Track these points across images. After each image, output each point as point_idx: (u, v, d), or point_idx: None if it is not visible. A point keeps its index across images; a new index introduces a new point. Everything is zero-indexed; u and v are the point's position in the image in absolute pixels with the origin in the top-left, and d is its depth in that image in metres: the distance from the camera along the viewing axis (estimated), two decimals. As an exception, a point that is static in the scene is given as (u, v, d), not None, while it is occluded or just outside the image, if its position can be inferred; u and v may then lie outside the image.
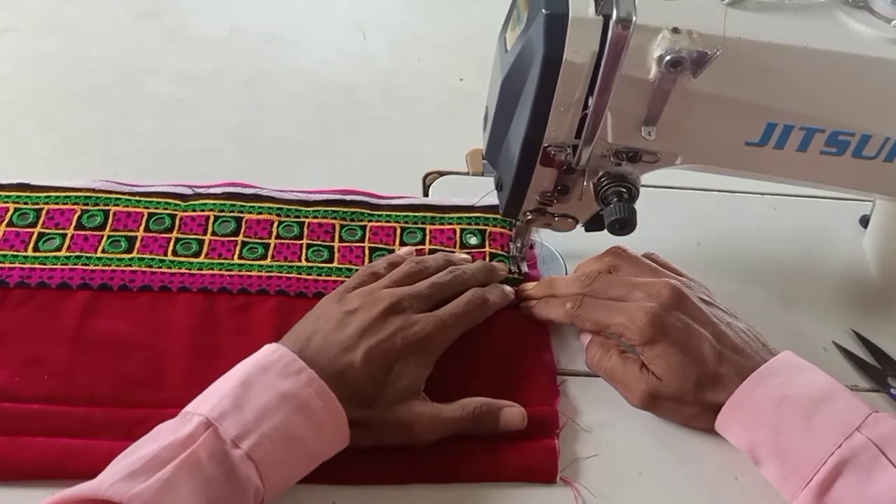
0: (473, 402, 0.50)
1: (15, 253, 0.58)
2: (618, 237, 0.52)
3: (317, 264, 0.60)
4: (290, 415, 0.44)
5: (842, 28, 0.47)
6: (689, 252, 0.66)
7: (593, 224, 0.56)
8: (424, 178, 0.70)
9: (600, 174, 0.51)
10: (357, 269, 0.58)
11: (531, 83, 0.47)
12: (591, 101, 0.46)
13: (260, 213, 0.63)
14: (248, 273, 0.59)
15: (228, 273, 0.59)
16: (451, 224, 0.64)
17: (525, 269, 0.62)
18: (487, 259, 0.61)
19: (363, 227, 0.63)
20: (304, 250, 0.61)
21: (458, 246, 0.63)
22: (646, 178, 0.52)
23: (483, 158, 0.68)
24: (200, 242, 0.60)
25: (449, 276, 0.55)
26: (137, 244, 0.59)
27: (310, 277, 0.59)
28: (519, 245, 0.61)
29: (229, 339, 0.54)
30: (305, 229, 0.62)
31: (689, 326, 0.51)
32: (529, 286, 0.58)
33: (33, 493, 0.44)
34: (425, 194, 0.68)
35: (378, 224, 0.64)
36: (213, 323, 0.55)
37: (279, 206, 0.64)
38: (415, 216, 0.65)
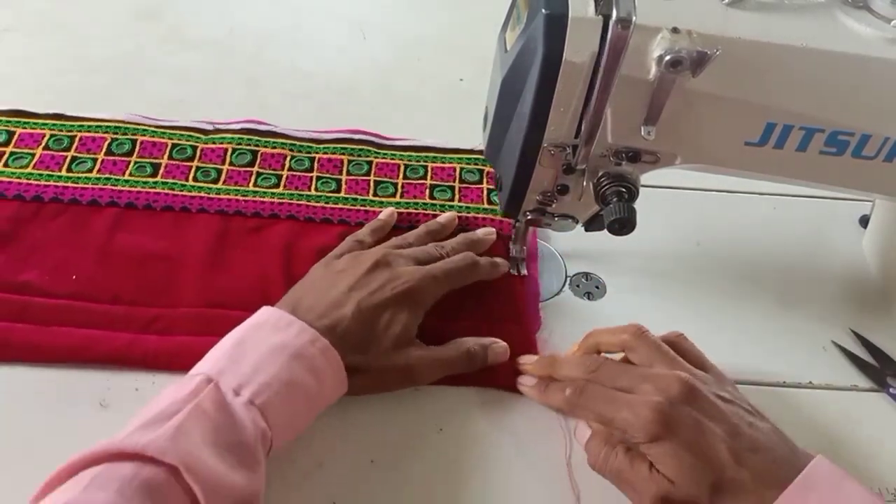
0: (467, 343, 0.54)
1: (50, 172, 0.64)
2: (618, 237, 0.52)
3: (325, 194, 0.66)
4: (286, 363, 0.46)
5: (841, 28, 0.47)
6: (689, 252, 0.66)
7: (593, 224, 0.56)
8: (424, 177, 0.70)
9: (600, 174, 0.51)
10: (361, 199, 0.65)
11: (531, 83, 0.47)
12: (590, 101, 0.46)
13: (274, 148, 0.69)
14: (261, 199, 0.65)
15: (244, 198, 0.65)
16: (451, 163, 0.70)
17: (524, 271, 0.62)
18: (484, 195, 0.67)
19: (369, 163, 0.69)
20: (313, 181, 0.67)
21: (457, 181, 0.68)
22: (646, 178, 0.52)
23: (483, 158, 0.68)
24: (219, 171, 0.67)
25: (432, 249, 0.57)
26: (161, 170, 0.66)
27: (318, 205, 0.65)
28: (519, 245, 0.61)
29: (240, 256, 0.60)
30: (315, 164, 0.68)
31: (701, 423, 0.45)
32: (528, 362, 0.55)
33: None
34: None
35: (383, 161, 0.69)
36: (227, 241, 0.61)
37: (292, 142, 0.70)
38: (417, 155, 0.70)
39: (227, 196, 0.64)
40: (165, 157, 0.67)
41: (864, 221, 0.69)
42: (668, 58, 0.44)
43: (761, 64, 0.46)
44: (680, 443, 0.45)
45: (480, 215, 0.65)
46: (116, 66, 0.77)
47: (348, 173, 0.68)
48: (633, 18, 0.43)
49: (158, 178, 0.65)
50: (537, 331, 0.58)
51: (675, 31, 0.44)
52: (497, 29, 0.52)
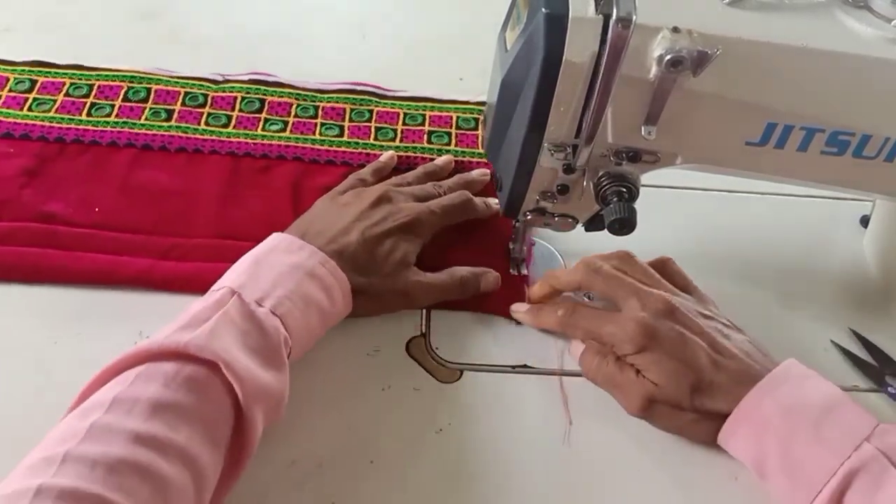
0: (460, 271, 0.58)
1: (71, 116, 0.69)
2: (618, 237, 0.52)
3: (328, 138, 0.71)
4: (301, 279, 0.50)
5: (842, 28, 0.47)
6: (690, 252, 0.66)
7: (593, 224, 0.56)
8: (424, 177, 0.70)
9: (600, 174, 0.51)
10: (363, 143, 0.70)
11: (531, 83, 0.47)
12: (591, 101, 0.46)
13: (281, 97, 0.74)
14: (269, 142, 0.69)
15: (253, 141, 0.69)
16: (448, 112, 0.75)
17: (525, 270, 0.62)
18: (480, 140, 0.72)
19: (370, 111, 0.74)
20: (318, 127, 0.72)
21: (453, 128, 0.73)
22: (646, 178, 0.52)
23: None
24: (229, 117, 0.71)
25: (430, 188, 0.62)
26: (175, 115, 0.71)
27: (322, 147, 0.70)
28: (519, 245, 0.61)
29: (250, 192, 0.65)
30: (320, 111, 0.73)
31: (682, 335, 0.51)
32: (535, 289, 0.59)
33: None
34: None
35: (384, 109, 0.74)
36: (237, 179, 0.66)
37: (298, 91, 0.74)
38: (416, 104, 0.75)
39: (237, 139, 0.69)
40: (178, 103, 0.72)
41: (865, 221, 0.69)
42: (668, 57, 0.43)
43: (762, 64, 0.46)
44: (663, 352, 0.50)
45: (475, 159, 0.70)
46: (116, 67, 0.77)
47: (350, 120, 0.73)
48: (634, 18, 0.43)
49: (172, 123, 0.70)
50: (530, 263, 0.62)
51: (675, 30, 0.44)
52: (497, 29, 0.52)
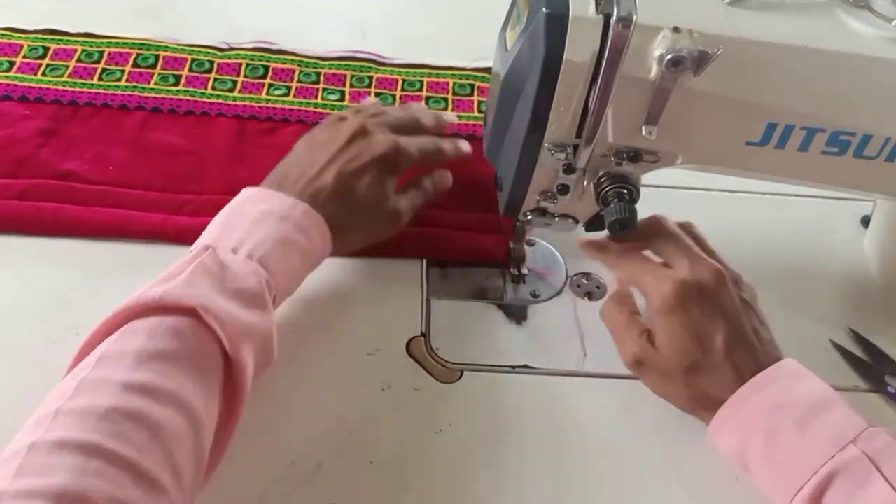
0: (418, 180, 0.61)
1: (84, 80, 0.72)
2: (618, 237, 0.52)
3: (330, 101, 0.74)
4: (275, 224, 0.50)
5: (843, 28, 0.47)
6: (690, 252, 0.66)
7: (593, 224, 0.56)
8: (424, 177, 0.69)
9: (601, 174, 0.51)
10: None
11: (531, 83, 0.47)
12: (591, 101, 0.46)
13: (284, 63, 0.77)
14: (273, 105, 0.72)
15: (258, 104, 0.72)
16: (445, 78, 0.77)
17: (525, 270, 0.62)
18: (475, 106, 0.75)
19: (370, 77, 0.77)
20: (320, 92, 0.75)
21: (450, 94, 0.76)
22: (646, 178, 0.52)
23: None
24: (234, 82, 0.74)
25: (407, 112, 0.62)
26: (183, 80, 0.74)
27: (324, 111, 0.72)
28: (520, 244, 0.61)
29: (257, 152, 0.68)
30: (321, 77, 0.76)
31: (712, 315, 0.50)
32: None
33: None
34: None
35: (383, 76, 0.77)
36: (244, 139, 0.69)
37: (300, 58, 0.77)
38: (414, 71, 0.78)
39: (243, 102, 0.72)
40: (186, 69, 0.75)
41: (866, 221, 0.69)
42: (669, 57, 0.43)
43: (763, 63, 0.46)
44: (684, 323, 0.49)
45: (471, 122, 0.73)
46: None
47: (351, 86, 0.75)
48: (634, 17, 0.42)
49: (181, 87, 0.73)
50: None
51: (676, 30, 0.44)
52: (497, 29, 0.52)
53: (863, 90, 0.48)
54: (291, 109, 0.72)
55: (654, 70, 0.45)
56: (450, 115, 0.68)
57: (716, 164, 0.52)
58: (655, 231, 0.53)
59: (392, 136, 0.57)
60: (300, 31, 0.84)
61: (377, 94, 0.75)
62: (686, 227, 0.55)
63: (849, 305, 0.63)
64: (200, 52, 0.77)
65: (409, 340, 0.57)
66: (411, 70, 0.78)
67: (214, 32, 0.82)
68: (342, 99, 0.74)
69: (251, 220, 0.51)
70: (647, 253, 0.54)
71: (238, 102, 0.72)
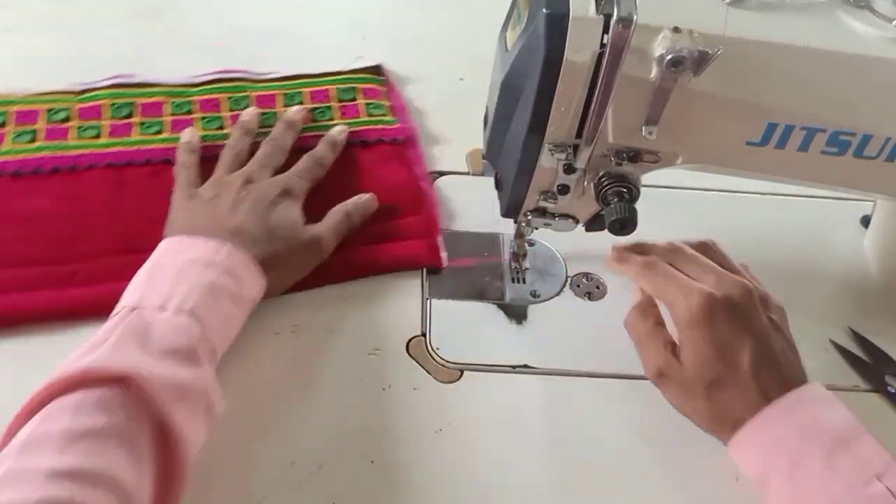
0: (340, 207, 0.60)
1: None
2: (619, 237, 0.52)
3: (211, 132, 0.67)
4: (201, 271, 0.49)
5: (843, 28, 0.47)
6: (690, 252, 0.66)
7: (593, 224, 0.56)
8: (424, 177, 0.70)
9: (601, 174, 0.51)
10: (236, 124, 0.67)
11: (531, 83, 0.47)
12: (591, 101, 0.46)
13: (151, 97, 0.70)
14: (149, 146, 0.65)
15: (131, 148, 0.65)
16: (325, 86, 0.73)
17: (526, 265, 0.62)
18: (362, 109, 0.71)
19: (247, 97, 0.71)
20: (197, 123, 0.68)
21: (334, 101, 0.72)
22: (646, 178, 0.52)
23: (483, 158, 0.68)
24: (99, 127, 0.67)
25: (268, 146, 0.63)
26: (41, 135, 0.65)
27: (207, 143, 0.65)
28: (519, 242, 0.61)
29: (144, 201, 0.61)
30: (195, 106, 0.70)
31: (739, 331, 0.48)
32: (621, 244, 0.56)
33: None
34: (425, 194, 0.68)
35: (261, 93, 0.72)
36: (125, 190, 0.62)
37: (167, 89, 0.71)
38: (291, 83, 0.73)
39: (114, 148, 0.65)
40: (41, 122, 0.67)
41: (866, 221, 0.69)
42: (669, 57, 0.43)
43: (763, 64, 0.46)
44: (710, 337, 0.48)
45: (363, 127, 0.69)
46: (116, 67, 0.77)
47: (230, 109, 0.70)
48: (635, 18, 0.42)
49: (39, 143, 0.65)
50: (436, 210, 0.64)
51: (676, 30, 0.44)
52: (497, 29, 0.52)
53: (863, 90, 0.48)
54: (170, 147, 0.65)
55: (654, 70, 0.45)
56: (338, 130, 0.67)
57: (716, 164, 0.52)
58: (676, 253, 0.53)
59: (283, 175, 0.60)
60: (300, 31, 0.84)
61: (259, 114, 0.69)
62: (708, 246, 0.54)
63: (849, 305, 0.63)
64: (54, 99, 0.68)
65: (409, 340, 0.57)
66: (288, 83, 0.73)
67: (215, 32, 0.82)
68: (222, 127, 0.68)
69: (175, 271, 0.49)
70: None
71: (109, 149, 0.65)
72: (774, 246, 0.67)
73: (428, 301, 0.60)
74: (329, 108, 0.71)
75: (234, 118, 0.68)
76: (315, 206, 0.60)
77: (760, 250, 0.67)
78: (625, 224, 0.50)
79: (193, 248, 0.51)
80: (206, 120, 0.68)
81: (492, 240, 0.65)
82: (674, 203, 0.69)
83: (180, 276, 0.48)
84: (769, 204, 0.71)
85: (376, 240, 0.61)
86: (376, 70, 0.77)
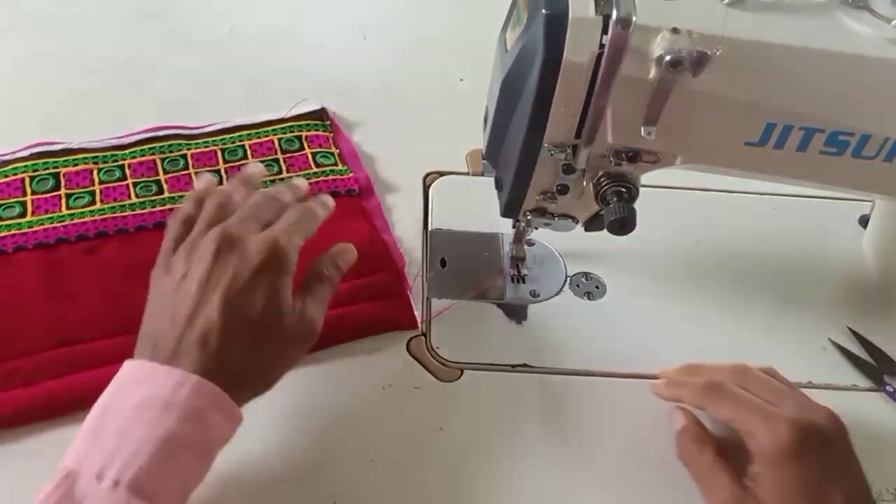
0: (318, 266, 0.50)
1: None
2: (618, 237, 0.52)
3: (148, 198, 0.61)
4: (156, 419, 0.40)
5: (842, 28, 0.47)
6: (690, 252, 0.66)
7: (593, 224, 0.56)
8: (424, 178, 0.70)
9: (600, 174, 0.51)
10: (187, 195, 0.57)
11: (531, 83, 0.47)
12: (591, 101, 0.46)
13: (76, 165, 0.63)
14: (81, 220, 0.59)
15: (61, 224, 0.59)
16: (267, 136, 0.68)
17: (525, 270, 0.62)
18: (311, 160, 0.66)
19: (184, 157, 0.65)
20: (131, 189, 0.62)
21: (279, 153, 0.67)
22: (646, 178, 0.52)
23: (483, 158, 0.68)
24: (23, 203, 0.60)
25: (261, 196, 0.50)
26: None
27: (145, 211, 0.60)
28: (519, 244, 0.61)
29: (82, 283, 0.56)
30: (127, 170, 0.63)
31: (832, 470, 0.43)
32: (670, 369, 0.54)
33: None
34: (425, 194, 0.68)
35: (198, 151, 0.66)
36: (60, 271, 0.56)
37: (94, 154, 0.64)
38: (231, 137, 0.68)
39: (42, 226, 0.58)
40: None
41: (864, 221, 0.69)
42: (668, 58, 0.44)
43: (761, 64, 0.46)
44: (799, 474, 0.42)
45: (314, 180, 0.65)
46: (116, 67, 0.77)
47: (165, 171, 0.64)
48: (634, 18, 0.43)
49: None
50: (404, 266, 0.61)
51: (675, 31, 0.44)
52: (497, 29, 0.52)
53: (861, 90, 0.48)
54: (104, 219, 0.59)
55: (654, 71, 0.45)
56: (300, 182, 0.56)
57: (714, 164, 0.52)
58: (744, 375, 0.48)
59: (265, 234, 0.47)
60: (300, 31, 0.84)
61: (198, 174, 0.64)
62: (772, 371, 0.50)
63: (848, 305, 0.64)
64: None
65: (410, 340, 0.57)
66: (227, 136, 0.67)
67: (214, 33, 0.82)
68: (160, 192, 0.62)
69: (125, 418, 0.40)
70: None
71: (36, 228, 0.58)
72: (773, 246, 0.68)
73: (428, 301, 0.60)
74: (275, 161, 0.66)
75: (172, 181, 0.63)
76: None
77: (759, 250, 0.67)
78: (624, 224, 0.50)
79: (151, 383, 0.41)
80: (139, 186, 0.62)
81: (492, 240, 0.65)
82: (673, 203, 0.70)
83: (129, 429, 0.40)
84: (768, 204, 0.71)
85: (345, 301, 0.56)
86: (320, 114, 0.72)
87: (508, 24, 0.51)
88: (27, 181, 0.61)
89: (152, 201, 0.61)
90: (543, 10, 0.45)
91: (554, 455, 0.52)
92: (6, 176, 0.62)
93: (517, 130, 0.50)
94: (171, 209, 0.60)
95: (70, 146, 0.64)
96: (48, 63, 0.77)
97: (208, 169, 0.64)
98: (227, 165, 0.65)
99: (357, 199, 0.64)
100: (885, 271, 0.65)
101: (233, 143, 0.67)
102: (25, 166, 0.62)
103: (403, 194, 0.68)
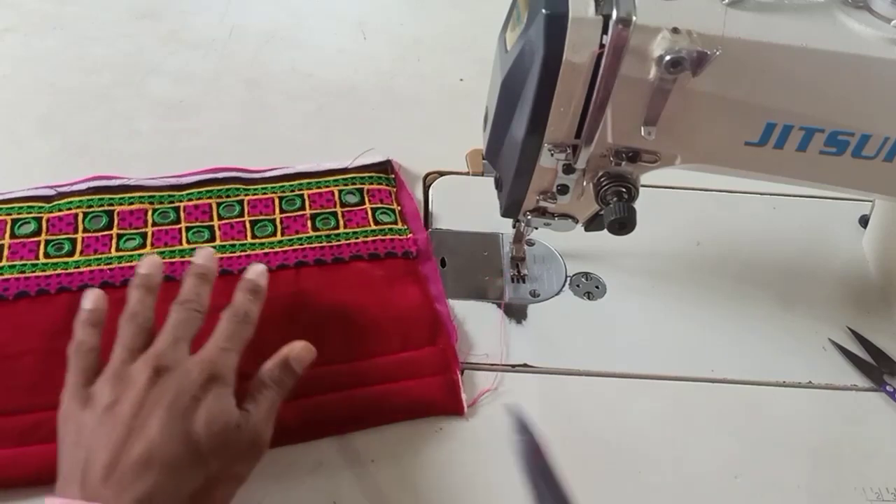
0: (263, 375, 0.46)
1: None
2: (618, 237, 0.52)
3: (199, 245, 0.59)
4: None
5: (841, 28, 0.47)
6: (689, 252, 0.66)
7: (593, 224, 0.56)
8: (424, 178, 0.70)
9: (600, 174, 0.51)
10: (240, 245, 0.59)
11: (531, 83, 0.47)
12: (591, 102, 0.46)
13: (132, 204, 0.61)
14: (129, 264, 0.57)
15: (108, 267, 0.57)
16: (328, 187, 0.65)
17: (525, 270, 0.62)
18: (370, 216, 0.63)
19: (241, 202, 0.63)
20: (183, 233, 0.60)
21: (338, 206, 0.63)
22: (646, 178, 0.52)
23: (483, 158, 0.68)
24: (73, 241, 0.58)
25: (183, 311, 0.47)
26: (5, 252, 0.57)
27: (186, 260, 0.57)
28: (519, 244, 0.61)
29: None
30: (182, 213, 0.61)
31: None
32: None
33: None
34: (425, 194, 0.68)
35: (255, 197, 0.63)
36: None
37: (150, 193, 0.62)
38: (290, 185, 0.65)
39: (89, 268, 0.56)
40: (7, 236, 0.58)
41: (864, 221, 0.69)
42: (668, 58, 0.43)
43: (761, 64, 0.46)
44: None
45: (371, 238, 0.61)
46: (116, 67, 0.77)
47: (220, 217, 0.61)
48: (634, 19, 0.43)
49: (3, 263, 0.56)
50: (455, 340, 0.56)
51: (675, 31, 0.44)
52: (497, 29, 0.52)
53: (861, 90, 0.48)
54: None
55: (654, 71, 0.45)
56: (206, 260, 0.50)
57: (715, 164, 0.52)
58: None
59: (201, 358, 0.44)
60: (300, 31, 0.84)
61: (253, 223, 0.61)
62: None
63: (847, 305, 0.64)
64: (21, 209, 0.60)
65: (410, 340, 0.57)
66: (287, 184, 0.65)
67: (215, 32, 0.82)
68: (212, 239, 0.59)
69: None
70: None
71: (83, 269, 0.56)
72: (773, 246, 0.68)
73: (428, 301, 0.60)
74: (333, 214, 0.63)
75: (225, 229, 0.60)
76: (330, 341, 0.50)
77: (759, 250, 0.67)
78: (624, 224, 0.50)
79: None
80: (192, 231, 0.60)
81: (492, 240, 0.65)
82: (673, 203, 0.70)
83: None
84: (768, 204, 0.71)
85: (386, 378, 0.52)
86: (385, 167, 0.68)
87: (508, 24, 0.51)
88: (80, 217, 0.60)
89: (199, 244, 0.59)
90: (543, 10, 0.45)
91: (554, 455, 0.52)
92: (60, 210, 0.60)
93: (517, 130, 0.50)
94: (220, 258, 0.57)
95: (128, 182, 0.63)
96: (47, 63, 0.77)
97: (265, 218, 0.62)
98: (283, 215, 0.62)
99: (413, 263, 0.60)
100: (885, 271, 0.65)
101: (292, 191, 0.64)
102: (81, 201, 0.61)
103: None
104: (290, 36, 0.84)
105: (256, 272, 0.50)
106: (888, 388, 0.57)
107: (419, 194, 0.68)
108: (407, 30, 0.86)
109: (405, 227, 0.63)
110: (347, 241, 0.61)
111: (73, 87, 0.74)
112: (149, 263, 0.49)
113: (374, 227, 0.62)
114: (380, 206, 0.64)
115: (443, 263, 0.63)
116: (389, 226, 0.62)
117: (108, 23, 0.82)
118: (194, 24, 0.83)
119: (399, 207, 0.64)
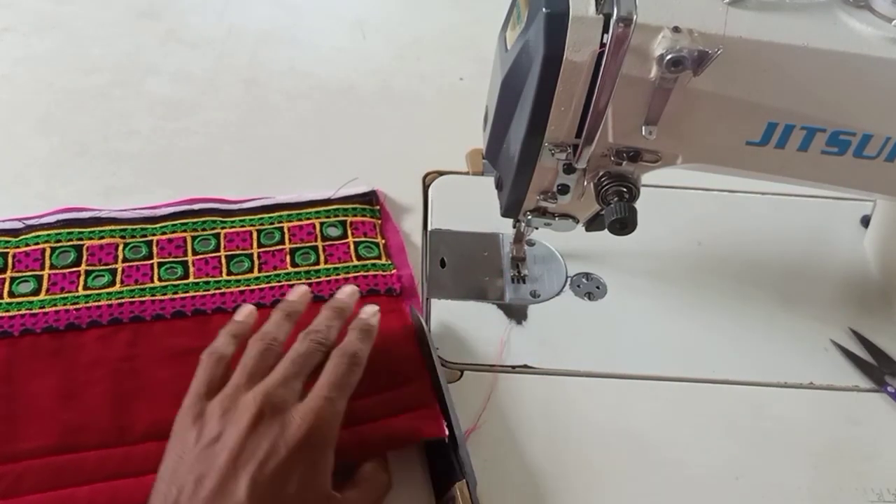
0: (365, 471, 0.47)
1: None
2: (618, 237, 0.52)
3: (171, 282, 0.56)
4: None
5: (843, 27, 0.47)
6: (691, 252, 0.66)
7: (593, 224, 0.56)
8: (424, 178, 0.70)
9: (601, 174, 0.51)
10: (214, 282, 0.57)
11: (531, 83, 0.47)
12: (591, 101, 0.46)
13: (102, 238, 0.58)
14: (96, 304, 0.54)
15: (74, 307, 0.54)
16: (309, 219, 0.62)
17: (525, 270, 0.62)
18: (352, 250, 0.60)
19: (216, 236, 0.60)
20: (155, 269, 0.57)
21: (319, 240, 0.60)
22: (646, 178, 0.52)
23: (483, 158, 0.68)
24: (39, 278, 0.55)
25: (307, 344, 0.47)
26: None
27: (165, 297, 0.55)
28: (519, 245, 0.61)
29: (86, 378, 0.50)
30: (154, 247, 0.58)
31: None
32: None
33: None
34: (425, 194, 0.68)
35: (233, 230, 0.60)
36: (66, 363, 0.51)
37: (122, 227, 0.59)
38: (270, 217, 0.62)
39: (54, 308, 0.54)
40: None
41: (866, 221, 0.69)
42: (669, 57, 0.43)
43: (763, 63, 0.46)
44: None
45: (351, 275, 0.58)
46: (115, 66, 0.77)
47: (194, 252, 0.58)
48: (634, 17, 0.42)
49: None
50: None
51: (676, 30, 0.44)
52: (497, 28, 0.52)
53: (863, 90, 0.48)
54: (121, 304, 0.54)
55: (654, 70, 0.45)
56: (349, 290, 0.52)
57: (716, 163, 0.52)
58: None
59: (308, 406, 0.43)
60: (300, 31, 0.84)
61: (229, 257, 0.58)
62: None
63: (849, 305, 0.63)
64: None
65: (410, 340, 0.57)
66: (266, 216, 0.61)
67: (214, 32, 0.82)
68: (185, 276, 0.57)
69: None
70: None
71: (48, 309, 0.54)
72: (774, 246, 0.67)
73: (428, 301, 0.60)
74: (313, 248, 0.60)
75: (199, 264, 0.58)
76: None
77: (760, 250, 0.67)
78: (625, 224, 0.50)
79: None
80: (165, 267, 0.57)
81: (492, 240, 0.65)
82: (674, 203, 0.69)
83: None
84: (769, 204, 0.71)
85: (371, 416, 0.50)
86: (370, 198, 0.65)
87: (508, 23, 0.51)
88: (48, 252, 0.57)
89: (175, 286, 0.56)
90: (544, 9, 0.44)
91: (553, 455, 0.52)
92: (28, 245, 0.57)
93: (517, 130, 0.50)
94: (192, 297, 0.56)
95: (99, 215, 0.60)
96: (45, 62, 0.77)
97: (241, 252, 0.59)
98: (260, 250, 0.59)
99: (397, 300, 0.57)
100: (887, 271, 0.65)
101: (271, 223, 0.61)
102: (49, 235, 0.58)
103: (403, 194, 0.67)
104: (288, 35, 0.83)
105: (369, 312, 0.50)
106: (890, 388, 0.57)
107: (419, 194, 0.68)
108: (406, 29, 0.86)
109: (389, 262, 0.60)
110: (328, 278, 0.58)
111: (71, 87, 0.74)
112: (299, 292, 0.51)
113: (356, 262, 0.59)
114: (363, 239, 0.61)
115: (442, 264, 0.62)
116: (373, 261, 0.60)
117: (107, 22, 0.81)
118: (193, 23, 0.83)
119: (384, 241, 0.62)
